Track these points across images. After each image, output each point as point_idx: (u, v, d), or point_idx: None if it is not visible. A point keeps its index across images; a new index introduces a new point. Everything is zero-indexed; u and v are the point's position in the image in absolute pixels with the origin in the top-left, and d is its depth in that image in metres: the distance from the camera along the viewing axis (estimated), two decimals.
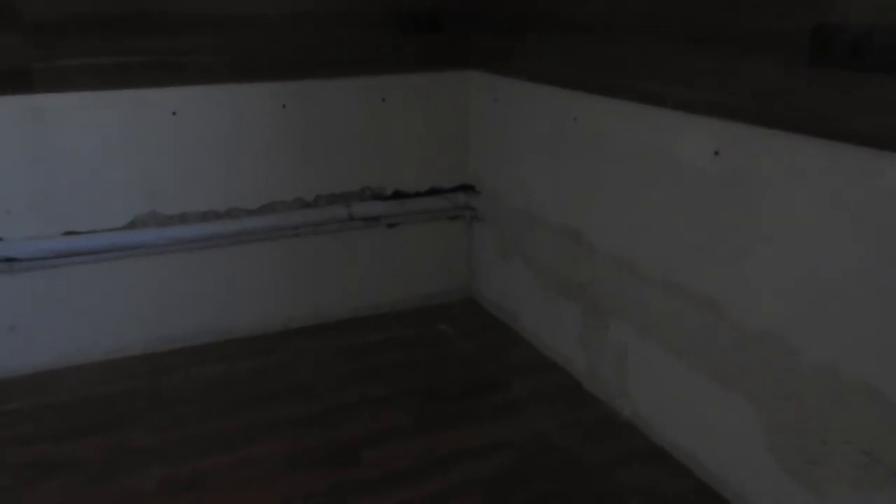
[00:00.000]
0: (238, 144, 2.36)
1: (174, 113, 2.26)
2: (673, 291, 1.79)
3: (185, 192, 2.33)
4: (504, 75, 2.40)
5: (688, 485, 1.78)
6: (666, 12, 2.17)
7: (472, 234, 2.74)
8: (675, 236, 1.78)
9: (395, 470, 1.84)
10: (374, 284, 2.66)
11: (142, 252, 2.31)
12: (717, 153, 1.63)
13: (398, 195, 2.60)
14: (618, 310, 2.01)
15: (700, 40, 2.06)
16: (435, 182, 2.65)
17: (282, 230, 2.46)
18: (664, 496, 1.75)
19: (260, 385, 2.24)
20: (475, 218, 2.70)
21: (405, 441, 1.95)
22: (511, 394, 2.18)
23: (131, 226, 2.29)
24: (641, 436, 1.95)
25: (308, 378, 2.27)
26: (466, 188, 2.68)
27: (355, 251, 2.60)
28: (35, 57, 2.11)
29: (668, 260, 1.81)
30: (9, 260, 2.17)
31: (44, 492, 1.78)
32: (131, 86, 2.20)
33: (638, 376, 1.97)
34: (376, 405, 2.12)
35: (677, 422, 1.86)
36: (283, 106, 2.37)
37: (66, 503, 1.74)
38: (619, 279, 1.98)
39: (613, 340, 2.04)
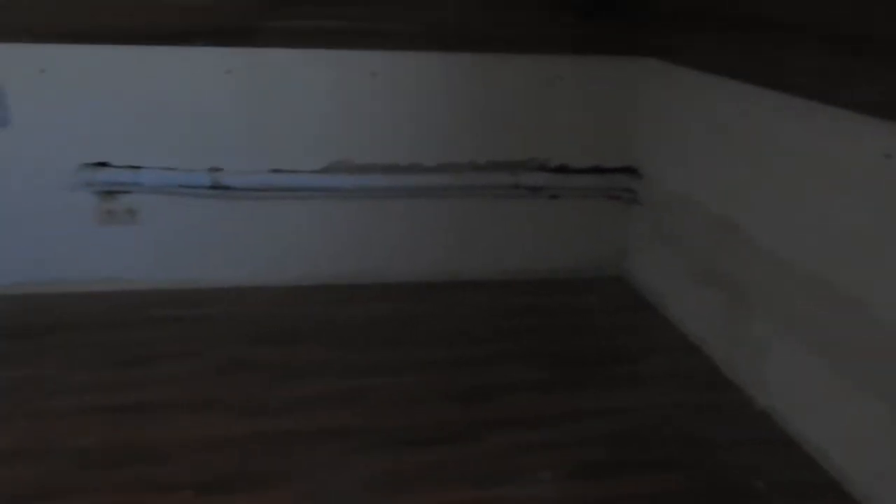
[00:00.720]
0: (424, 107, 2.60)
1: (373, 74, 2.54)
2: (822, 288, 1.83)
3: (375, 146, 2.62)
4: (679, 64, 2.47)
5: (817, 478, 1.82)
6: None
7: (628, 215, 2.84)
8: (830, 235, 1.81)
9: (524, 416, 2.02)
10: (530, 250, 2.84)
11: (332, 194, 2.62)
12: (888, 156, 1.64)
13: (562, 169, 2.75)
14: (764, 302, 2.07)
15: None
16: (599, 161, 2.77)
17: (453, 189, 2.69)
18: (791, 485, 1.80)
19: (415, 326, 2.49)
20: (634, 200, 2.79)
21: (536, 394, 2.13)
22: (647, 368, 2.30)
23: (326, 170, 2.61)
24: (775, 426, 2.00)
25: (457, 326, 2.50)
26: (629, 170, 2.78)
27: (516, 217, 2.78)
28: (260, 17, 2.45)
29: (820, 256, 1.85)
30: (225, 188, 2.55)
31: (233, 384, 2.12)
32: (338, 47, 2.50)
33: (778, 368, 2.02)
34: (514, 359, 2.30)
35: (813, 416, 1.90)
36: (464, 75, 2.59)
37: (250, 397, 2.07)
38: (769, 272, 2.03)
39: (757, 331, 2.10)
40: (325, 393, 2.09)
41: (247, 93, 2.50)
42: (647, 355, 2.36)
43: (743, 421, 2.04)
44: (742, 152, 2.16)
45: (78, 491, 1.67)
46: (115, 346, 2.29)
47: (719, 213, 2.27)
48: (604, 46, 2.67)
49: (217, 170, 2.55)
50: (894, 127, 1.61)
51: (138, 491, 1.68)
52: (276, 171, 2.58)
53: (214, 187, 2.55)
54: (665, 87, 2.57)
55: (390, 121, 2.61)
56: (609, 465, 1.84)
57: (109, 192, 2.53)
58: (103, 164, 2.50)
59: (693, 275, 2.42)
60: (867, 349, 1.70)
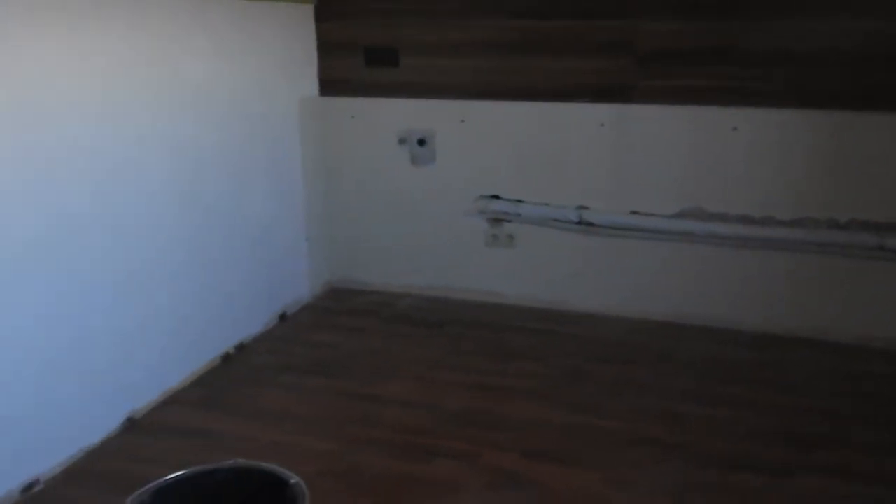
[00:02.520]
0: (782, 161, 2.70)
1: (734, 129, 2.72)
2: None
3: (729, 196, 2.78)
4: None
5: None
6: None
7: None
8: None
9: (851, 469, 2.01)
10: (890, 318, 2.69)
11: (682, 238, 2.85)
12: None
13: None
14: None
15: None
16: None
17: (807, 244, 2.71)
18: None
19: (748, 370, 2.57)
20: None
21: (870, 452, 2.08)
22: None
23: (679, 215, 2.85)
24: None
25: (792, 379, 2.51)
26: None
27: (876, 280, 2.68)
28: (636, 77, 2.82)
29: None
30: (589, 224, 2.96)
31: (570, 387, 2.49)
32: (702, 103, 2.75)
33: None
34: (851, 418, 2.26)
35: None
36: (825, 131, 2.62)
37: (581, 399, 2.40)
38: None
39: None
40: (646, 408, 2.33)
41: (615, 142, 2.89)
42: None
43: None
44: None
45: (443, 435, 2.20)
46: (488, 342, 2.84)
47: None
48: None
49: (584, 208, 2.97)
50: None
51: (481, 445, 2.14)
52: (634, 212, 2.91)
53: (580, 223, 2.97)
54: None
55: (745, 173, 2.75)
56: None
57: (496, 220, 3.12)
58: (495, 197, 3.09)
59: None
60: None
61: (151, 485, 1.55)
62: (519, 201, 3.06)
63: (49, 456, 2.01)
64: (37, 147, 1.92)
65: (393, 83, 3.13)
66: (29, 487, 1.94)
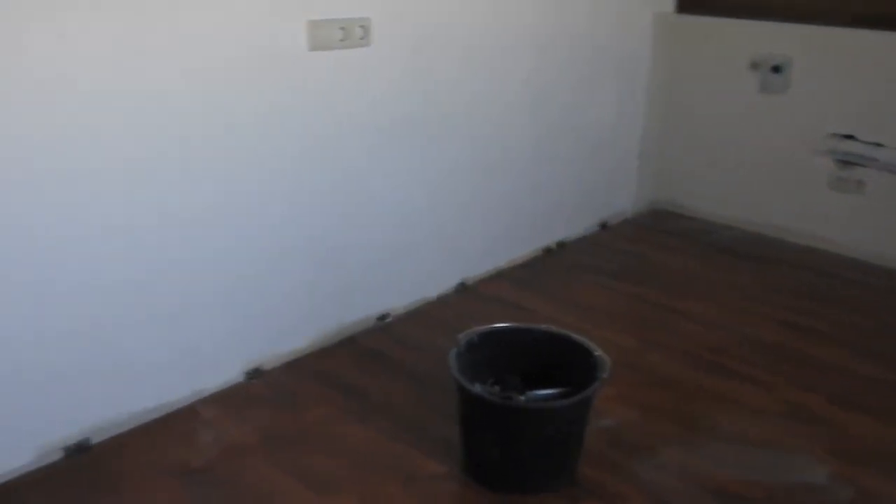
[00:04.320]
0: None
1: None
2: None
3: None
4: None
5: None
6: None
7: None
8: None
9: None
10: None
11: None
12: None
13: None
14: None
15: None
16: None
17: None
18: None
19: None
20: None
21: None
22: None
23: None
24: None
25: None
26: None
27: None
28: None
29: None
30: None
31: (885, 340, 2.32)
32: None
33: None
34: None
35: None
36: None
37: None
38: None
39: None
40: None
41: None
42: None
43: None
44: None
45: (744, 360, 2.22)
46: (808, 285, 2.73)
47: None
48: None
49: None
50: None
51: (782, 377, 2.13)
52: None
53: None
54: None
55: None
56: None
57: (846, 162, 2.89)
58: (849, 137, 2.86)
59: None
60: None
61: (479, 328, 1.84)
62: (878, 145, 2.80)
63: (398, 298, 2.44)
64: (428, 56, 2.27)
65: (752, 4, 3.00)
66: (383, 317, 2.40)
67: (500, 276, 2.73)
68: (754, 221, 3.17)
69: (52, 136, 1.58)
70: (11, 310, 1.62)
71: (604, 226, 3.21)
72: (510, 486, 1.69)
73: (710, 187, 3.27)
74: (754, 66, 3.01)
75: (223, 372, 2.04)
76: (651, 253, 2.99)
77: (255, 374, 2.09)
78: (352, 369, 2.14)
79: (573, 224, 3.07)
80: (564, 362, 1.79)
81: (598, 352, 1.73)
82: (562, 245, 3.01)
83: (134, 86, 1.68)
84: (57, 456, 1.76)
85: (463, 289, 2.63)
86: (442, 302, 2.54)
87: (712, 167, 3.24)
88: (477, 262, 2.68)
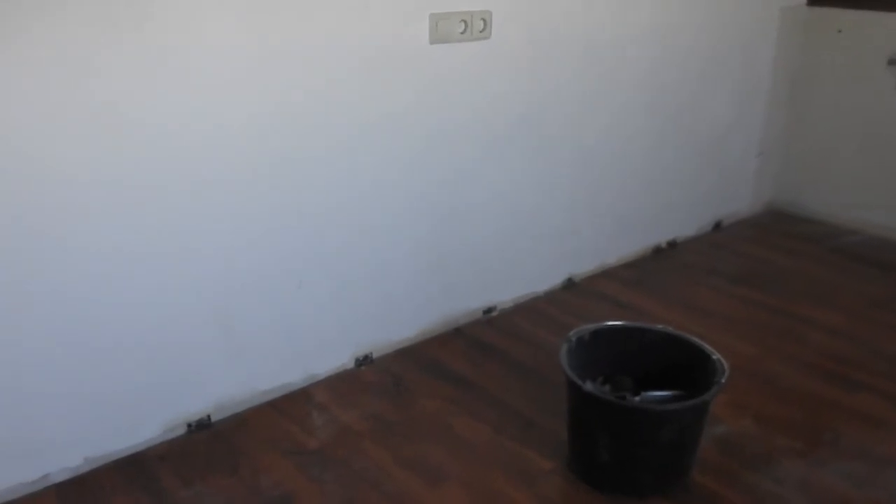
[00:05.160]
0: None
1: None
2: None
3: None
4: None
5: None
6: None
7: None
8: None
9: None
10: None
11: None
12: None
13: None
14: None
15: None
16: None
17: None
18: None
19: None
20: None
21: None
22: None
23: None
24: None
25: None
26: None
27: None
28: None
29: None
30: None
31: None
32: None
33: None
34: None
35: None
36: None
37: None
38: None
39: None
40: None
41: None
42: None
43: None
44: None
45: (872, 371, 2.10)
46: None
47: None
48: None
49: None
50: None
51: None
52: None
53: None
54: None
55: None
56: None
57: None
58: None
59: None
60: None
61: (591, 326, 1.82)
62: None
63: (506, 292, 2.44)
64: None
65: None
66: (489, 311, 2.40)
67: (608, 274, 2.68)
68: (883, 225, 2.97)
69: (193, 132, 1.67)
70: (145, 296, 1.71)
71: (718, 225, 3.09)
72: (619, 488, 1.65)
73: (836, 189, 3.10)
74: (892, 62, 2.82)
75: (335, 358, 2.10)
76: (770, 256, 2.86)
77: (364, 361, 2.14)
78: (460, 360, 2.16)
79: (685, 223, 2.98)
80: (678, 365, 1.74)
81: (715, 355, 1.67)
82: (673, 244, 2.92)
83: (260, 92, 1.74)
84: (181, 431, 1.86)
85: (571, 285, 2.59)
86: (549, 297, 2.51)
87: (839, 167, 3.06)
88: (586, 258, 2.64)
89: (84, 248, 1.60)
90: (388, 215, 2.07)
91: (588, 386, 1.67)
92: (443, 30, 1.98)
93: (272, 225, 1.86)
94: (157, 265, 1.71)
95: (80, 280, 1.62)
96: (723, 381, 1.60)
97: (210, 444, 1.83)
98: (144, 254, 1.68)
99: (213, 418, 1.90)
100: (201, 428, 1.87)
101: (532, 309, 2.44)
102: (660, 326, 1.84)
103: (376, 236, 2.07)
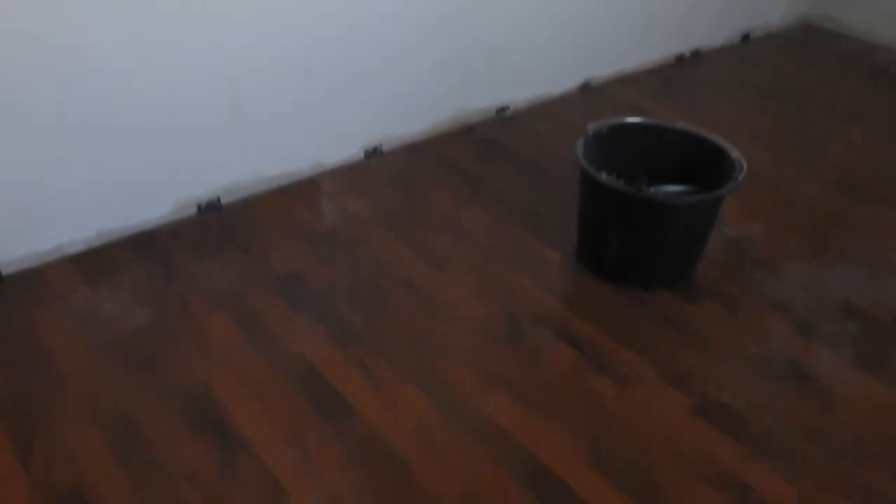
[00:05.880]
0: None
1: None
2: None
3: None
4: None
5: None
6: None
7: None
8: None
9: None
10: None
11: None
12: None
13: None
14: None
15: None
16: None
17: None
18: None
19: None
20: None
21: None
22: None
23: None
24: None
25: None
26: None
27: None
28: None
29: None
30: None
31: None
32: None
33: None
34: None
35: None
36: None
37: None
38: None
39: None
40: None
41: None
42: None
43: None
44: None
45: (893, 190, 2.06)
46: None
47: None
48: None
49: None
50: None
51: None
52: None
53: None
54: None
55: None
56: None
57: None
58: None
59: None
60: None
61: (609, 121, 1.76)
62: None
63: (520, 91, 2.35)
64: None
65: None
66: (502, 110, 2.33)
67: (627, 80, 2.57)
68: None
69: None
70: (157, 77, 1.65)
71: (745, 37, 2.93)
72: (625, 279, 1.68)
73: (876, 2, 2.91)
74: None
75: (344, 148, 2.06)
76: (800, 71, 2.73)
77: (373, 154, 2.10)
78: (470, 156, 2.12)
79: (711, 32, 2.82)
80: (694, 167, 1.70)
81: (735, 153, 1.63)
82: (697, 54, 2.78)
83: None
84: (191, 211, 1.86)
85: (587, 89, 2.50)
86: (564, 100, 2.43)
87: None
88: (604, 62, 2.52)
89: (100, 24, 1.52)
90: (401, 5, 1.95)
91: (603, 176, 1.64)
92: None
93: (284, 11, 1.77)
94: (170, 48, 1.65)
95: (96, 56, 1.56)
96: (740, 178, 1.57)
97: (221, 225, 1.84)
98: (157, 35, 1.61)
99: (223, 201, 1.89)
100: (211, 209, 1.87)
101: (546, 111, 2.37)
102: (680, 125, 1.78)
103: (388, 27, 1.96)
